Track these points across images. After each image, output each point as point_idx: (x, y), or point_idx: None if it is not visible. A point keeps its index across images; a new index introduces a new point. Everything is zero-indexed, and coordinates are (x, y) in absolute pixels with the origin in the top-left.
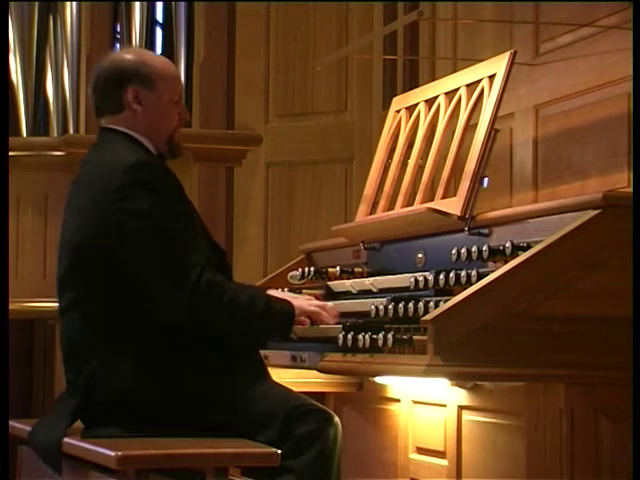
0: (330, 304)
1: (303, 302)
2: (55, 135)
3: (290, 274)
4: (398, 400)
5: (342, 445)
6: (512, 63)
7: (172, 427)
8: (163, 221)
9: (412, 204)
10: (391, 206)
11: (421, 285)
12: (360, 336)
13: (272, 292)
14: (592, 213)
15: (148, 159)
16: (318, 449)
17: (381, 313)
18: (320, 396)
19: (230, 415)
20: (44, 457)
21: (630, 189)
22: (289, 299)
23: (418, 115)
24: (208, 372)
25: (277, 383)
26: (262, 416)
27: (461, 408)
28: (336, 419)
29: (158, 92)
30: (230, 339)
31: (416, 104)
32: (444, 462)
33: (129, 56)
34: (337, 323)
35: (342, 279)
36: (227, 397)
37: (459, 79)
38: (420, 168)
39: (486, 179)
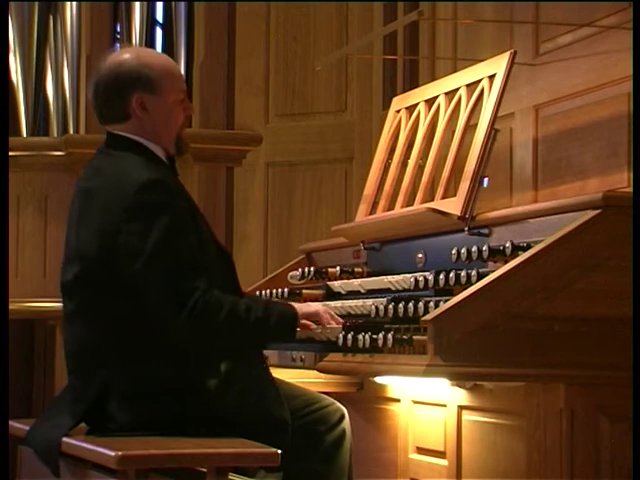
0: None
1: (303, 305)
2: (55, 135)
3: (290, 274)
4: (398, 400)
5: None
6: (512, 63)
7: (184, 428)
8: (169, 244)
9: (412, 204)
10: (391, 206)
11: (421, 285)
12: (360, 336)
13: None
14: (592, 213)
15: (158, 177)
16: (342, 452)
17: (381, 313)
18: None
19: (246, 419)
20: (43, 458)
21: (630, 189)
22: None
23: (418, 115)
24: (222, 370)
25: (282, 381)
26: (277, 419)
27: (461, 408)
28: (345, 413)
29: (163, 95)
30: (234, 350)
31: (416, 104)
32: (444, 462)
33: (128, 59)
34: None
35: (342, 279)
36: (247, 405)
37: (459, 79)
38: (420, 168)
39: (486, 179)
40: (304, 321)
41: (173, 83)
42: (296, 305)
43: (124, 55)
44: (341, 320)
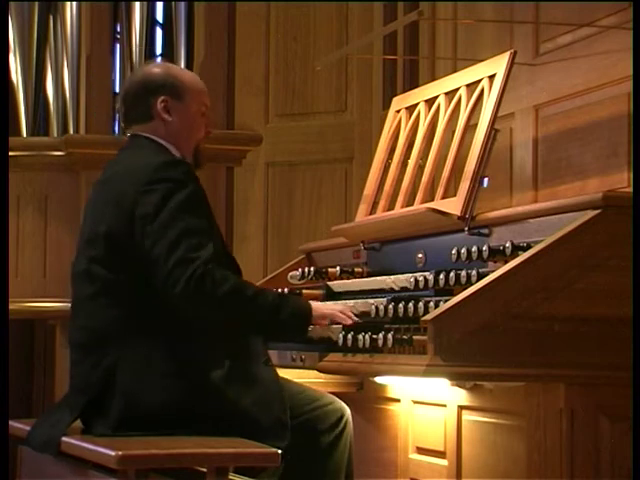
0: (345, 305)
1: (320, 304)
2: (55, 135)
3: (290, 274)
4: (398, 400)
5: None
6: (512, 63)
7: (185, 423)
8: (181, 215)
9: (412, 204)
10: (391, 206)
11: (421, 285)
12: (360, 336)
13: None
14: (592, 213)
15: (176, 159)
16: (337, 453)
17: (381, 313)
18: None
19: (249, 412)
20: (42, 447)
21: (630, 189)
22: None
23: (418, 115)
24: (225, 366)
25: (284, 379)
26: (278, 418)
27: (461, 408)
28: (346, 412)
29: (187, 103)
30: (239, 331)
31: (416, 104)
32: (444, 462)
33: (158, 69)
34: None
35: (342, 279)
36: (248, 393)
37: (459, 79)
38: (420, 168)
39: (486, 179)
40: (319, 321)
41: (197, 95)
42: (314, 303)
43: (154, 66)
44: (357, 319)
